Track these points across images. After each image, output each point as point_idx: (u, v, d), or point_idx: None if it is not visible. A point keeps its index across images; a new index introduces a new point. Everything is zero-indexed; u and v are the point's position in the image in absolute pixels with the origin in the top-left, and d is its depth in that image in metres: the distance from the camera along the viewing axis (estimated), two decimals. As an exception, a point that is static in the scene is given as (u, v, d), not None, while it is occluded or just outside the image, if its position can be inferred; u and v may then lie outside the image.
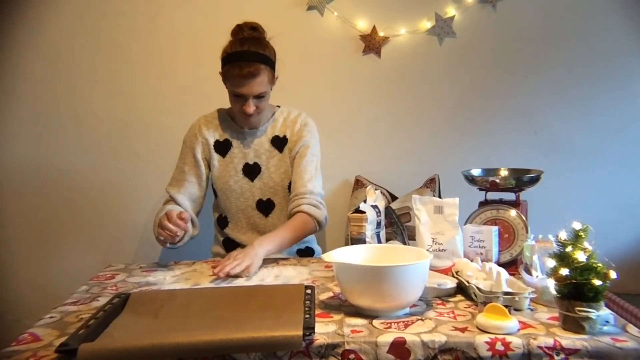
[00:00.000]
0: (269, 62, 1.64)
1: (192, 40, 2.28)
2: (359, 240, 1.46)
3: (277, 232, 1.59)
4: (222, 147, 1.77)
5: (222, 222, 1.85)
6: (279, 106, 1.83)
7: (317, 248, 1.91)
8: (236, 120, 1.77)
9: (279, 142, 1.77)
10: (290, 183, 1.77)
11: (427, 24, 2.32)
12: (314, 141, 1.79)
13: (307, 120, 1.80)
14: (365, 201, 1.51)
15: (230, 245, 1.83)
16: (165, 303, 1.17)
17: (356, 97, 2.36)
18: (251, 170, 1.77)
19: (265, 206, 1.79)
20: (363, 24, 2.31)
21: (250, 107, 1.63)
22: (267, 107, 1.72)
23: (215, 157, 1.77)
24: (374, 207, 1.53)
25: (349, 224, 1.50)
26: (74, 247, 2.32)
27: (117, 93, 2.29)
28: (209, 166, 1.79)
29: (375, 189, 1.58)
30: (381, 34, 2.30)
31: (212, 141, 1.77)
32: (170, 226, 1.48)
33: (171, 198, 1.72)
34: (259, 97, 1.64)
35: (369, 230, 1.47)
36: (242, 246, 1.80)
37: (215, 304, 1.16)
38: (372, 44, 2.31)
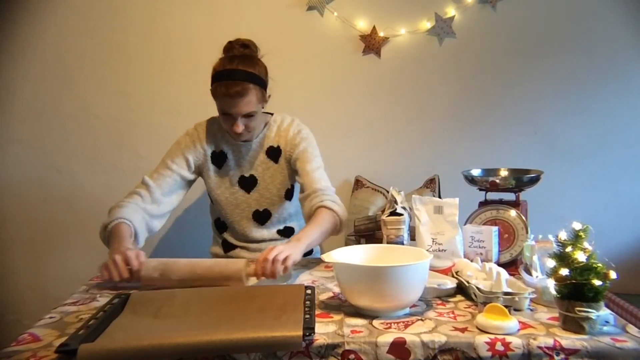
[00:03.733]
0: (259, 80, 1.60)
1: (192, 40, 2.28)
2: (396, 243, 1.45)
3: (307, 230, 1.51)
4: (218, 159, 1.74)
5: (220, 225, 1.85)
6: (271, 114, 1.79)
7: (316, 247, 1.90)
8: None
9: (274, 153, 1.74)
10: (286, 190, 1.76)
11: (427, 24, 2.32)
12: (312, 145, 1.74)
13: (299, 127, 1.76)
14: (396, 202, 1.50)
15: (229, 246, 1.83)
16: (165, 303, 1.17)
17: (356, 98, 2.36)
18: (247, 183, 1.74)
19: (261, 216, 1.77)
20: (363, 24, 2.31)
21: (239, 127, 1.59)
22: (258, 125, 1.68)
23: (212, 168, 1.74)
24: (404, 208, 1.51)
25: (385, 227, 1.48)
26: (74, 247, 2.32)
27: (117, 93, 2.29)
28: (199, 174, 1.76)
29: (400, 191, 1.55)
30: (381, 34, 2.30)
31: (209, 152, 1.73)
32: (113, 272, 1.33)
33: (144, 185, 1.65)
34: (248, 116, 1.60)
35: (405, 232, 1.47)
36: (241, 248, 1.80)
37: (215, 304, 1.16)
38: (372, 44, 2.31)
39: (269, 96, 1.68)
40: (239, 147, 1.73)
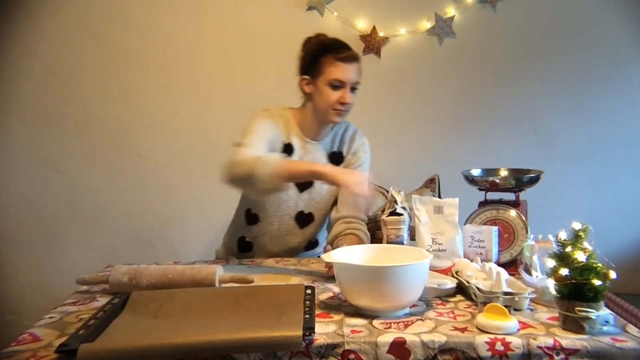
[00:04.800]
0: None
1: (193, 40, 2.28)
2: (396, 243, 1.45)
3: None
4: (287, 150, 1.68)
5: (251, 217, 1.76)
6: None
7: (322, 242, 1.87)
8: (305, 124, 1.69)
9: (335, 158, 1.73)
10: (335, 199, 1.72)
11: (427, 24, 2.32)
12: (368, 164, 1.76)
13: (364, 139, 1.77)
14: (396, 202, 1.49)
15: (245, 246, 1.77)
16: (165, 303, 1.16)
17: (356, 97, 2.35)
18: (303, 182, 1.69)
19: (304, 218, 1.73)
20: (363, 24, 2.31)
21: (349, 96, 1.60)
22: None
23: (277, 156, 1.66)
24: (404, 208, 1.51)
25: (385, 227, 1.47)
26: (74, 247, 2.32)
27: (117, 93, 2.29)
28: None
29: (400, 191, 1.54)
30: (381, 34, 2.31)
31: (283, 139, 1.67)
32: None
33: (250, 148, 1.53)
34: (353, 89, 1.63)
35: (405, 232, 1.47)
36: (255, 249, 1.77)
37: (215, 304, 1.16)
38: (372, 44, 2.31)
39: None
40: (305, 144, 1.69)
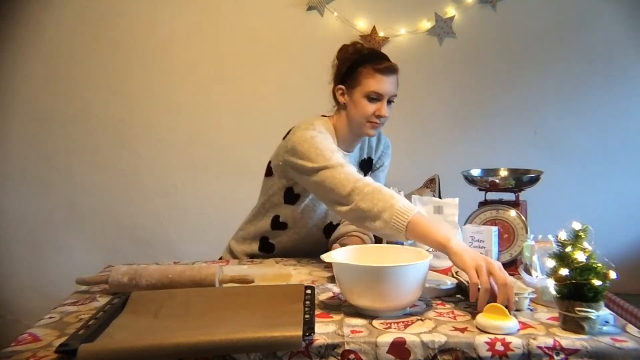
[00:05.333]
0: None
1: (192, 40, 2.28)
2: (396, 243, 1.45)
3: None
4: None
5: (278, 224, 1.69)
6: None
7: None
8: (340, 134, 1.62)
9: (365, 165, 1.72)
10: None
11: (427, 24, 2.32)
12: (388, 164, 1.77)
13: (388, 142, 1.77)
14: None
15: (267, 247, 1.71)
16: (165, 303, 1.16)
17: (392, 110, 2.35)
18: None
19: (332, 229, 1.70)
20: (363, 24, 2.31)
21: (386, 110, 1.55)
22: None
23: None
24: None
25: None
26: (74, 247, 2.33)
27: (117, 93, 2.29)
28: None
29: (400, 191, 1.54)
30: (381, 34, 2.31)
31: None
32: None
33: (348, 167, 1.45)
34: (389, 102, 1.58)
35: None
36: (279, 250, 1.71)
37: (215, 304, 1.16)
38: (372, 44, 2.31)
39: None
40: (344, 156, 1.57)
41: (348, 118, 1.60)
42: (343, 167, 1.40)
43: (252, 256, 1.73)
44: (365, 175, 1.64)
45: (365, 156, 1.73)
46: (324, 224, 1.70)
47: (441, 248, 1.21)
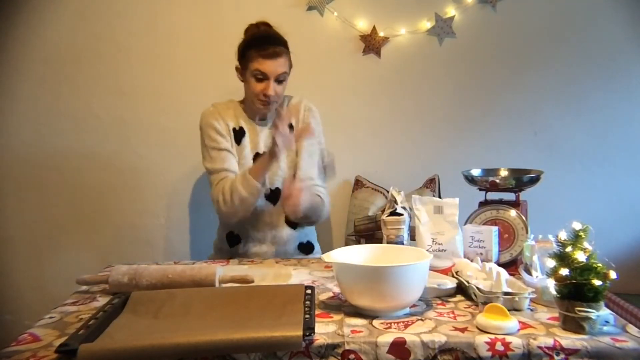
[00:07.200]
0: (287, 47, 1.73)
1: (192, 40, 2.28)
2: (396, 243, 1.45)
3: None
4: (238, 135, 1.78)
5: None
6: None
7: (317, 245, 1.90)
8: (249, 110, 1.80)
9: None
10: (295, 171, 1.77)
11: (427, 24, 2.32)
12: (318, 129, 1.82)
13: (309, 105, 1.85)
14: (396, 202, 1.49)
15: (233, 239, 1.81)
16: (165, 303, 1.16)
17: (356, 98, 2.36)
18: None
19: (273, 194, 1.79)
20: (363, 24, 2.31)
21: (272, 89, 1.68)
22: (283, 94, 1.76)
23: (233, 143, 1.78)
24: (404, 208, 1.51)
25: (385, 227, 1.48)
26: (74, 247, 2.32)
27: (117, 93, 2.29)
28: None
29: (400, 191, 1.54)
30: (381, 34, 2.31)
31: (231, 126, 1.78)
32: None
33: (228, 171, 1.72)
34: (279, 81, 1.70)
35: (405, 232, 1.47)
36: (246, 239, 1.80)
37: (215, 304, 1.16)
38: (372, 44, 2.31)
39: (291, 66, 1.75)
40: (255, 126, 1.79)
41: (245, 95, 1.78)
42: (222, 174, 1.70)
43: (220, 249, 1.85)
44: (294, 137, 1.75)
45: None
46: (267, 192, 1.78)
47: (267, 161, 1.61)
